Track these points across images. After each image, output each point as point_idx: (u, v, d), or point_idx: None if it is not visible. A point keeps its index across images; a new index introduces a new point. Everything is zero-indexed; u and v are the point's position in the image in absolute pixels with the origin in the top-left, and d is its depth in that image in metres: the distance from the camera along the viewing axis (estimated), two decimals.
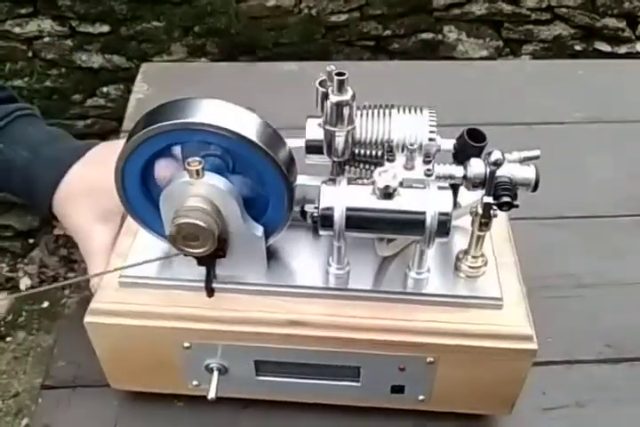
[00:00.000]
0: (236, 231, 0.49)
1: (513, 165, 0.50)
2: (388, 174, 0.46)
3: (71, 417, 0.60)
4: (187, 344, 0.53)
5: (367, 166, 0.53)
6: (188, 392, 0.58)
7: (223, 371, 0.54)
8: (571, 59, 1.75)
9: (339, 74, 0.48)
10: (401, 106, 0.53)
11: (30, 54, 1.71)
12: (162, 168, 0.50)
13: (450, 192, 0.47)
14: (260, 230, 0.50)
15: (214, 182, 0.47)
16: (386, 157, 0.50)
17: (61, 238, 1.88)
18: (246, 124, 0.47)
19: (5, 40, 1.68)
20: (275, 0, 1.65)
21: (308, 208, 0.53)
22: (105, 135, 1.85)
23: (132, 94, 0.98)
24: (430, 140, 0.51)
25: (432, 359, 0.52)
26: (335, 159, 0.52)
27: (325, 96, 0.49)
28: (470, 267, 0.53)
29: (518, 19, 1.75)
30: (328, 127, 0.50)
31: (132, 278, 0.53)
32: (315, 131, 0.52)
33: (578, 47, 1.79)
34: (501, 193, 0.47)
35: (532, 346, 0.51)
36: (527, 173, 0.49)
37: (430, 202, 0.47)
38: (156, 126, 0.45)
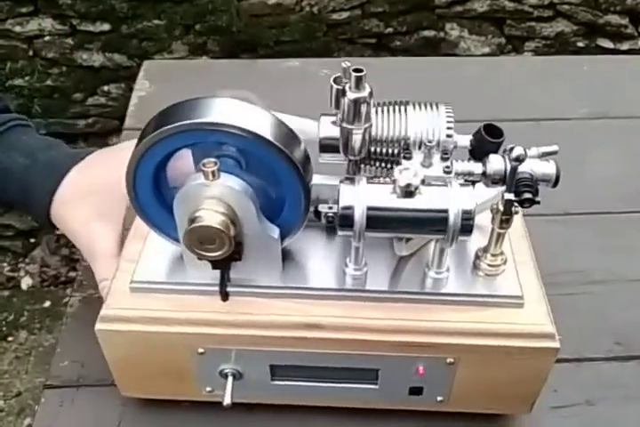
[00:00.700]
0: (251, 233, 0.48)
1: (533, 160, 0.49)
2: (409, 172, 0.45)
3: (74, 417, 0.59)
4: (201, 350, 0.52)
5: (383, 165, 0.52)
6: (201, 399, 0.56)
7: (238, 376, 0.53)
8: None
9: (356, 70, 0.46)
10: (416, 102, 0.51)
11: (31, 53, 1.70)
12: (176, 168, 0.49)
13: (471, 189, 0.46)
14: (275, 232, 0.49)
15: (230, 184, 0.45)
16: (402, 155, 0.49)
17: (62, 238, 1.87)
18: (262, 123, 0.45)
19: (6, 39, 1.67)
20: None
21: (322, 208, 0.52)
22: (106, 134, 1.85)
23: (133, 92, 0.97)
24: (448, 136, 0.50)
25: (452, 360, 0.51)
26: (352, 158, 0.51)
27: (342, 93, 0.48)
28: (490, 265, 0.52)
29: (520, 16, 1.74)
30: (345, 125, 0.49)
31: (143, 284, 0.52)
32: (329, 129, 0.51)
33: (580, 44, 1.78)
34: (523, 189, 0.47)
35: (555, 344, 0.50)
36: (547, 168, 0.48)
37: (453, 199, 0.46)
38: (170, 126, 0.44)
